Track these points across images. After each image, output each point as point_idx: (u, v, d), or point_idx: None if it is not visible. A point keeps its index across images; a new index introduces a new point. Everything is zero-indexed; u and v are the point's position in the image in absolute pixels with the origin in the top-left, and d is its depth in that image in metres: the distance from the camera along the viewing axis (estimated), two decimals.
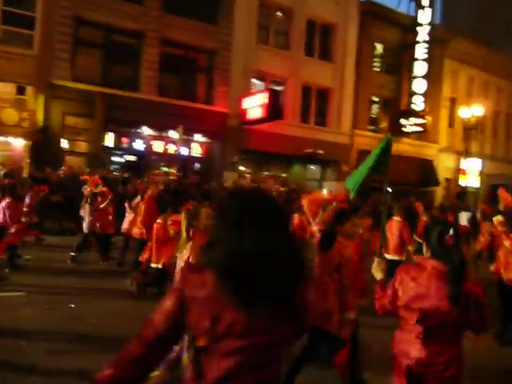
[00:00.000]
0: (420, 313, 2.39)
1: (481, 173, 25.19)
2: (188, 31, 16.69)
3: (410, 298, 2.43)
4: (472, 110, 22.15)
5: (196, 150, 18.14)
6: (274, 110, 16.34)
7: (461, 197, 22.49)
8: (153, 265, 6.49)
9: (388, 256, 7.14)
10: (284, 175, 20.40)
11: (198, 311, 1.42)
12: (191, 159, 18.14)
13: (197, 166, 18.58)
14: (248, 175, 19.36)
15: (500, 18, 36.09)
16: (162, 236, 6.32)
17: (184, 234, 3.92)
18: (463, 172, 23.88)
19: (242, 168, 18.96)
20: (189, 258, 3.60)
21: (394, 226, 7.57)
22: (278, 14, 19.63)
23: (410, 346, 2.46)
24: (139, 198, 8.55)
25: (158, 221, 6.53)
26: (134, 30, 16.08)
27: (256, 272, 1.38)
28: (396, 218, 7.72)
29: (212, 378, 1.41)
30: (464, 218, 13.19)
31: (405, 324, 2.52)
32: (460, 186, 23.84)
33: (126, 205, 8.91)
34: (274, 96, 16.58)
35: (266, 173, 20.14)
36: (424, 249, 2.60)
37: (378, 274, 2.91)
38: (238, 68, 17.99)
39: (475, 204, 23.58)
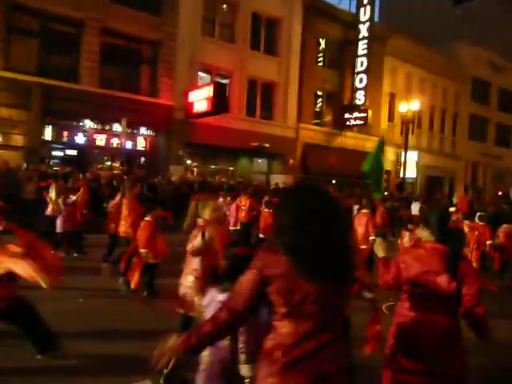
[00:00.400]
0: (423, 287, 2.72)
1: (418, 164, 26.56)
2: (131, 21, 16.25)
3: (415, 274, 2.75)
4: (410, 105, 23.25)
5: (141, 144, 17.79)
6: (220, 103, 16.33)
7: (400, 187, 23.65)
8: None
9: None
10: (231, 168, 20.50)
11: (277, 286, 1.77)
12: (136, 153, 17.78)
13: (142, 160, 18.23)
14: (195, 169, 19.28)
15: (434, 17, 38.06)
16: (153, 232, 6.47)
17: (188, 222, 4.11)
18: (402, 164, 25.05)
19: (188, 162, 18.85)
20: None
21: (362, 218, 8.18)
22: (224, 6, 19.56)
23: (411, 317, 2.76)
24: (118, 198, 8.40)
25: (147, 218, 6.53)
26: (73, 18, 15.42)
27: (320, 252, 1.76)
28: (364, 211, 8.39)
29: (292, 338, 1.78)
30: (416, 208, 14.04)
31: (408, 297, 2.84)
32: (399, 177, 25.01)
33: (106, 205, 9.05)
34: (220, 89, 16.56)
35: (212, 166, 20.15)
36: (424, 233, 2.92)
37: (380, 252, 3.17)
38: (184, 60, 17.78)
39: (413, 194, 24.90)
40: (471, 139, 32.36)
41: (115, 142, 16.83)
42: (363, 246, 7.74)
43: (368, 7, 22.35)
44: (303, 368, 1.76)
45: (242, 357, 2.44)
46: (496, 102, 34.75)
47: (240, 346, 2.44)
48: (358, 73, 22.68)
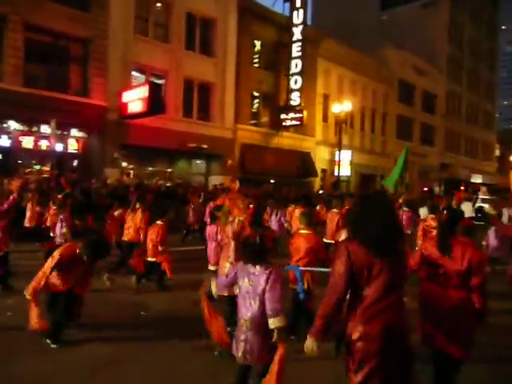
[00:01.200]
0: (439, 267, 3.60)
1: (351, 163, 27.68)
2: (57, 17, 15.42)
3: (437, 258, 3.64)
4: (342, 106, 24.18)
5: (72, 146, 16.99)
6: (155, 103, 16.00)
7: (335, 186, 24.52)
8: (150, 259, 7.42)
9: (326, 240, 8.99)
10: (169, 170, 20.17)
11: (360, 266, 2.58)
12: (67, 156, 16.93)
13: (74, 163, 17.41)
14: (131, 171, 18.75)
15: (363, 22, 39.86)
16: (164, 236, 7.35)
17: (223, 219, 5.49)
18: (337, 163, 25.97)
19: (124, 164, 18.28)
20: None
21: (333, 216, 9.46)
22: (157, 5, 19.19)
23: (435, 291, 3.62)
24: (120, 210, 9.18)
25: (160, 222, 7.28)
26: None
27: (383, 238, 2.57)
28: (334, 210, 9.71)
29: (371, 300, 2.59)
30: (423, 212, 15.39)
31: (427, 276, 3.74)
32: (334, 175, 25.92)
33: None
34: (155, 89, 16.23)
35: (149, 168, 19.71)
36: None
37: None
38: (116, 59, 17.21)
39: (348, 191, 25.90)
40: (399, 138, 34.27)
41: (44, 144, 15.93)
42: (331, 241, 8.88)
43: (301, 11, 22.94)
44: (379, 319, 2.57)
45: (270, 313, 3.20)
46: (420, 103, 37.10)
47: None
48: (293, 74, 23.20)
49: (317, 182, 26.24)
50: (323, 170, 27.23)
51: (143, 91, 16.06)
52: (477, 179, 45.75)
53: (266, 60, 23.68)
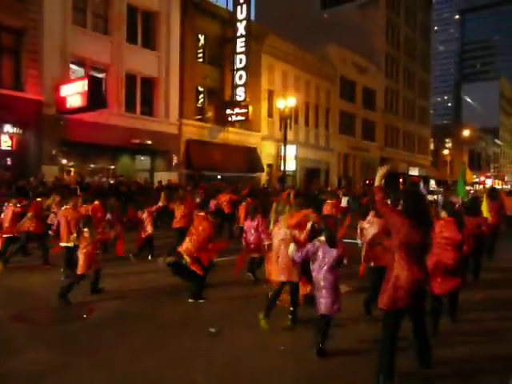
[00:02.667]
0: (447, 239, 5.40)
1: (297, 158, 28.21)
2: None
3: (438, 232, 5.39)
4: (287, 102, 24.53)
5: (5, 143, 16.01)
6: (96, 98, 15.43)
7: (282, 180, 24.87)
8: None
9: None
10: (112, 167, 19.56)
11: (404, 233, 3.76)
12: (0, 153, 15.95)
13: (8, 160, 16.42)
14: (72, 169, 17.99)
15: (305, 19, 40.60)
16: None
17: (273, 217, 6.42)
18: (282, 158, 26.36)
19: (64, 161, 17.49)
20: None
21: (329, 206, 11.51)
22: None
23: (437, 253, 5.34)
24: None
25: (201, 213, 7.27)
26: None
27: (422, 214, 3.88)
28: (329, 201, 11.95)
29: (406, 263, 3.77)
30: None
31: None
32: (281, 170, 26.30)
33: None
34: (95, 83, 15.64)
35: (91, 165, 19.01)
36: (443, 213, 5.90)
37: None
38: (52, 51, 16.38)
39: (295, 184, 26.37)
40: (342, 133, 35.38)
41: None
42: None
43: (244, 6, 23.00)
44: (408, 277, 3.72)
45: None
46: (361, 99, 38.45)
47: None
48: (238, 70, 23.23)
49: (263, 177, 26.50)
50: (269, 165, 27.54)
51: (82, 85, 15.43)
52: (414, 172, 48.23)
53: (210, 55, 23.53)
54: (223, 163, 22.81)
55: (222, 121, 23.63)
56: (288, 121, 24.90)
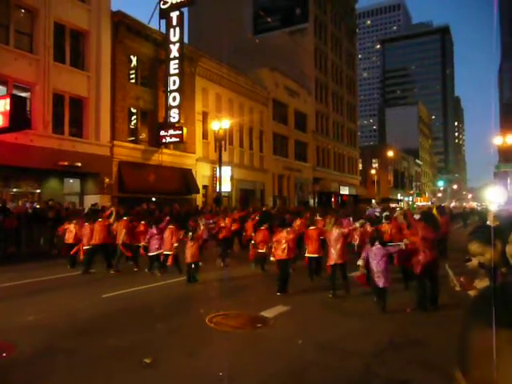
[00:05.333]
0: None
1: (232, 179, 28.39)
2: None
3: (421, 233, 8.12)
4: (221, 124, 24.76)
5: None
6: (19, 118, 14.56)
7: (217, 201, 24.85)
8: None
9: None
10: (37, 191, 18.46)
11: (423, 232, 7.90)
12: None
13: None
14: None
15: (238, 43, 41.56)
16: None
17: (329, 226, 9.17)
18: (218, 179, 26.43)
19: None
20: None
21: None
22: (21, 11, 17.67)
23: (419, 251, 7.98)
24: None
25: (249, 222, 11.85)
26: None
27: (433, 222, 10.06)
28: (263, 227, 12.00)
29: (422, 247, 7.74)
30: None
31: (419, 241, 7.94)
32: (216, 191, 26.30)
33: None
34: (18, 103, 14.77)
35: (14, 189, 17.81)
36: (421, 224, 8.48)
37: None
38: None
39: (230, 205, 26.43)
40: (275, 154, 36.22)
41: None
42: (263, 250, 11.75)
43: (177, 28, 23.09)
44: (424, 257, 7.52)
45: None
46: (293, 122, 39.76)
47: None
48: (171, 91, 23.12)
49: (199, 198, 26.32)
50: (205, 187, 27.44)
51: (4, 104, 14.51)
52: (345, 191, 50.38)
53: (143, 76, 23.26)
54: (158, 185, 22.38)
55: (156, 142, 23.29)
56: (222, 142, 25.08)
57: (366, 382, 4.73)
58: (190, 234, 9.98)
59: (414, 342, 5.83)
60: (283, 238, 9.14)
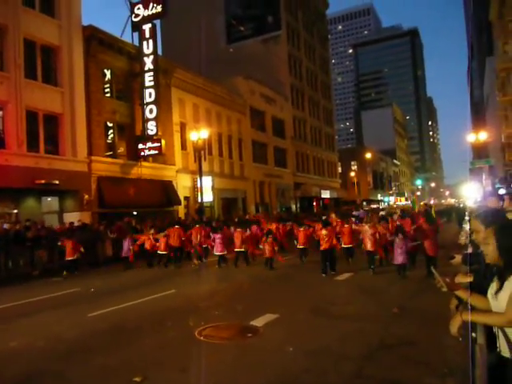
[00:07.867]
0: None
1: (213, 188, 28.28)
2: None
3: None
4: (199, 134, 24.68)
5: None
6: None
7: (200, 212, 24.70)
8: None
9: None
10: (14, 211, 18.01)
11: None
12: None
13: None
14: None
15: (211, 53, 41.65)
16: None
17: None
18: (199, 189, 26.28)
19: None
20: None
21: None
22: None
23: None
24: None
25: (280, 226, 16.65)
26: None
27: (433, 220, 13.71)
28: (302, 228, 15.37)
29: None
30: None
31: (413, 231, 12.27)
32: (198, 202, 26.14)
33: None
34: None
35: None
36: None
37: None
38: None
39: (213, 215, 26.31)
40: (255, 162, 36.29)
41: None
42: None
43: (150, 41, 23.00)
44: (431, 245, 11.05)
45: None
46: (271, 129, 39.96)
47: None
48: (148, 104, 22.97)
49: (181, 210, 26.12)
50: (186, 198, 27.26)
51: None
52: (326, 195, 50.76)
53: (118, 89, 23.05)
54: (138, 199, 22.13)
55: (135, 156, 23.06)
56: (202, 152, 24.99)
57: None
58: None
59: (404, 342, 5.87)
60: (325, 233, 12.29)
